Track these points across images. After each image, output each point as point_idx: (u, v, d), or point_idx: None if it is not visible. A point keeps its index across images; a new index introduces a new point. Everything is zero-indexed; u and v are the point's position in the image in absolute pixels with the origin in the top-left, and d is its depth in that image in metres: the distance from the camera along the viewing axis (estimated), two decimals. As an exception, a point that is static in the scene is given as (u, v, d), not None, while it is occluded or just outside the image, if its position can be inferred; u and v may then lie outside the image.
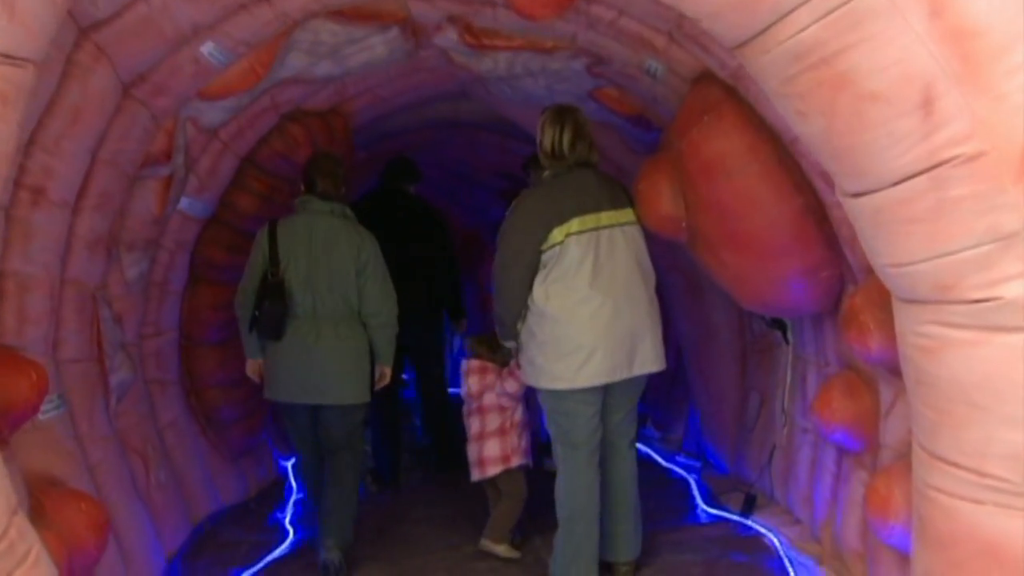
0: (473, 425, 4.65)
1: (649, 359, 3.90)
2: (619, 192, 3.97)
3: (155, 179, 4.22)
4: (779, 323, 4.60)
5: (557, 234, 3.77)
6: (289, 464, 6.35)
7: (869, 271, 3.13)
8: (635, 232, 3.92)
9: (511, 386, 4.51)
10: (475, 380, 4.64)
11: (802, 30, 2.24)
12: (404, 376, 6.96)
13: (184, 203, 4.73)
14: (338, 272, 4.31)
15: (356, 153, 6.53)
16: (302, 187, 4.50)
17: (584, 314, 3.75)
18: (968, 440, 2.22)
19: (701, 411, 5.98)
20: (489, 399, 4.59)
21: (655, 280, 4.04)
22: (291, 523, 5.26)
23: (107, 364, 4.09)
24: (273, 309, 4.25)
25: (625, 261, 3.83)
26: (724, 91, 3.47)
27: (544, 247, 3.78)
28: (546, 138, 3.94)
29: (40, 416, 3.38)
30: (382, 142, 6.86)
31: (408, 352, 5.83)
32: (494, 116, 6.48)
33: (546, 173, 4.03)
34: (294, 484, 5.99)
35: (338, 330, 4.34)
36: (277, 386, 4.43)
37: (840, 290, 3.58)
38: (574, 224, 3.77)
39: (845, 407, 3.43)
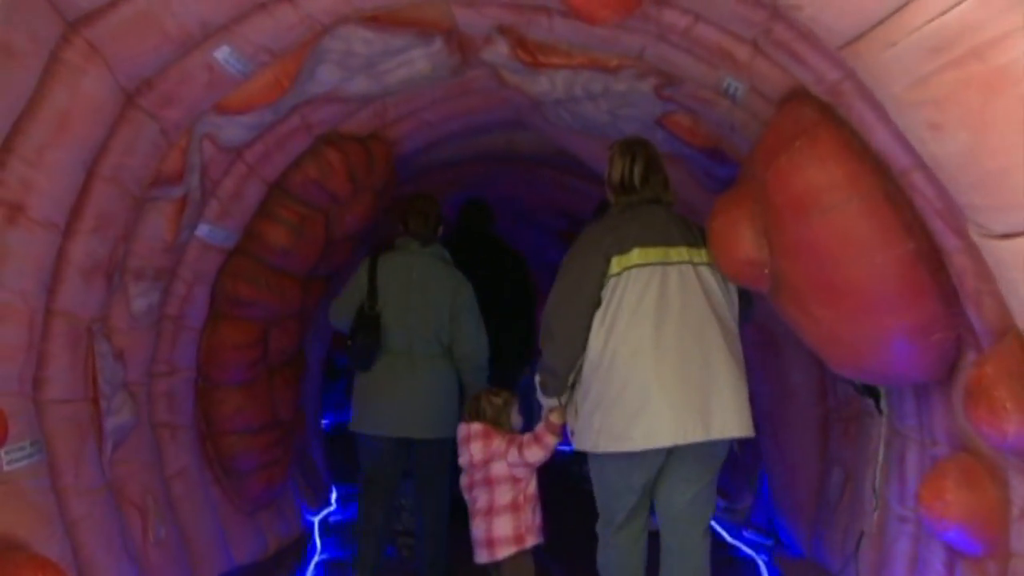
0: (479, 499, 3.98)
1: (731, 421, 3.32)
2: (696, 231, 3.51)
3: (166, 201, 3.78)
4: (871, 389, 3.95)
5: (615, 265, 3.33)
6: (316, 520, 5.84)
7: (999, 334, 2.51)
8: (714, 274, 3.44)
9: (534, 455, 3.84)
10: (479, 447, 3.97)
11: (944, 12, 1.68)
12: None
13: (203, 230, 4.29)
14: (434, 312, 4.49)
15: (400, 186, 6.08)
16: (400, 226, 4.72)
17: (644, 359, 3.26)
18: None
19: (773, 481, 5.32)
20: (498, 469, 3.93)
21: (737, 331, 3.50)
22: (311, 588, 4.74)
23: (103, 406, 3.62)
24: (367, 341, 4.43)
25: (700, 303, 3.35)
26: (819, 111, 2.90)
27: (604, 280, 3.36)
28: (615, 170, 3.60)
29: (5, 467, 2.92)
30: (429, 175, 6.39)
31: None
32: (552, 149, 5.99)
33: (614, 209, 3.62)
34: (318, 542, 5.46)
35: (434, 365, 4.52)
36: (365, 419, 4.55)
37: (955, 356, 2.95)
38: (635, 255, 3.33)
39: (962, 500, 2.79)
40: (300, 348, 5.40)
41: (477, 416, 4.11)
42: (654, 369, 3.24)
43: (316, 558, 5.22)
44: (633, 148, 3.63)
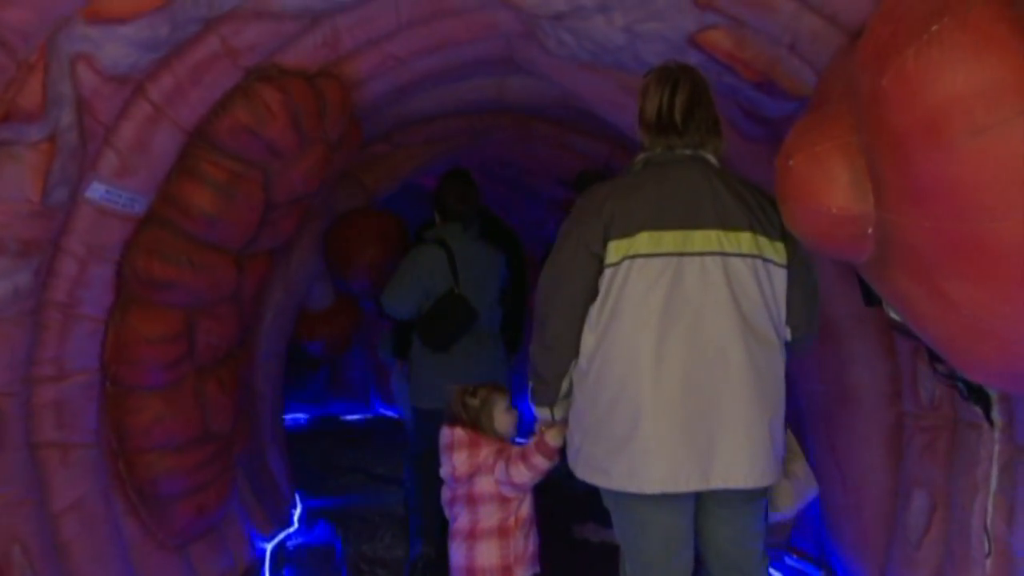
0: (459, 518, 3.32)
1: (738, 469, 2.63)
2: (752, 202, 2.70)
3: (25, 147, 2.75)
4: (979, 393, 2.97)
5: (613, 251, 2.63)
6: (269, 547, 4.84)
7: None
8: (757, 271, 2.65)
9: (520, 474, 3.14)
10: (462, 458, 3.27)
11: None
12: None
13: (97, 191, 3.27)
14: (489, 292, 4.74)
15: (367, 146, 5.06)
16: (437, 216, 4.85)
17: (640, 378, 2.60)
18: None
19: (828, 500, 4.31)
20: (484, 486, 3.26)
21: (779, 349, 2.73)
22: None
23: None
24: (457, 324, 4.56)
25: (724, 310, 2.61)
26: (968, -19, 1.88)
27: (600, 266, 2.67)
28: (649, 102, 2.81)
29: None
30: (403, 132, 5.38)
31: None
32: (551, 97, 4.99)
33: (639, 158, 2.82)
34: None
35: (495, 342, 4.80)
36: (435, 393, 4.31)
37: None
38: (641, 240, 2.61)
39: None
40: (241, 341, 4.37)
41: (455, 420, 3.35)
42: (650, 392, 2.58)
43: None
44: (675, 74, 2.82)
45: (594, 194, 2.75)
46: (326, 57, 3.75)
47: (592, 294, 2.66)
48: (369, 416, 9.08)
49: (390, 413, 8.66)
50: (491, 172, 6.86)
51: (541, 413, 2.96)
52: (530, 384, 2.92)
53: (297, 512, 5.62)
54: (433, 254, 4.62)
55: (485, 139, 5.93)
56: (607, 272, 2.63)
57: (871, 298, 3.46)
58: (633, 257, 2.60)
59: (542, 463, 3.08)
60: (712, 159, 2.76)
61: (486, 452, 3.26)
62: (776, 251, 2.69)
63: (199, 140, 3.59)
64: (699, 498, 2.75)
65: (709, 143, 2.77)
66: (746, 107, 3.54)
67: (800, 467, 2.99)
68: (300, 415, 8.87)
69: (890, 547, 3.70)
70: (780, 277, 2.70)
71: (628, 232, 2.61)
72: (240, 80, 3.52)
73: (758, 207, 2.71)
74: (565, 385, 2.80)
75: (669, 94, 2.76)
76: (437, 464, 4.06)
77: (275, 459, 5.60)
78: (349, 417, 9.11)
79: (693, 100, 2.77)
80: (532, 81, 4.81)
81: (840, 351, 3.91)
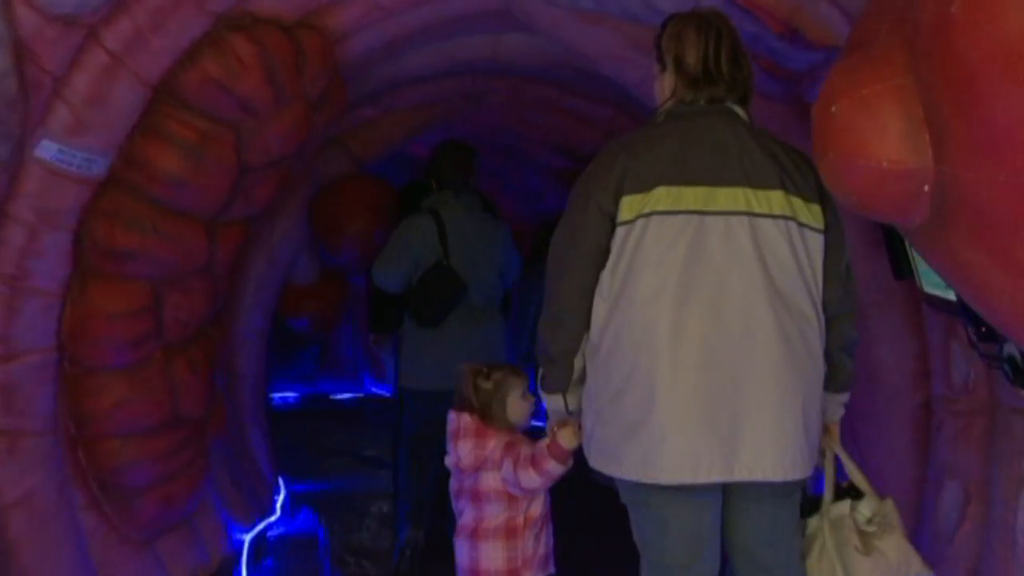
0: (464, 513, 3.00)
1: (766, 459, 2.33)
2: (780, 163, 2.41)
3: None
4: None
5: (625, 208, 2.36)
6: (248, 538, 4.54)
7: None
8: (788, 234, 2.37)
9: (529, 479, 2.80)
10: (467, 448, 2.95)
11: None
12: None
13: (47, 150, 2.95)
14: (486, 265, 4.48)
15: (354, 109, 4.73)
16: (432, 184, 4.65)
17: (655, 353, 2.32)
18: None
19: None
20: (490, 482, 2.93)
21: (815, 322, 2.42)
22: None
23: None
24: (448, 295, 4.34)
25: (751, 276, 2.33)
26: None
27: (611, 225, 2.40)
28: (691, 50, 2.48)
29: None
30: (393, 94, 5.04)
31: None
32: (551, 57, 4.66)
33: (665, 107, 2.52)
34: (244, 572, 4.18)
35: (492, 316, 4.53)
36: (424, 373, 4.39)
37: None
38: (658, 196, 2.34)
39: None
40: (215, 317, 4.05)
41: (464, 404, 3.01)
42: (667, 369, 2.31)
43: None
44: (715, 22, 2.52)
45: (609, 148, 2.48)
46: (305, 6, 3.43)
47: (599, 260, 2.39)
48: (360, 395, 8.81)
49: (382, 392, 8.39)
50: (486, 140, 6.50)
51: (553, 402, 2.63)
52: (539, 370, 2.62)
53: (280, 499, 5.34)
54: (423, 224, 4.42)
55: (480, 104, 5.60)
56: (619, 232, 2.35)
57: (901, 270, 3.17)
58: (648, 215, 2.32)
59: (555, 469, 2.75)
60: (742, 112, 2.49)
61: (494, 444, 2.93)
62: (812, 214, 2.42)
63: (165, 95, 3.26)
64: (725, 492, 2.46)
65: (748, 96, 2.52)
66: (765, 60, 3.22)
67: (892, 544, 2.54)
68: (289, 394, 8.61)
69: (916, 539, 3.40)
70: (816, 243, 2.42)
71: (643, 187, 2.33)
72: (209, 28, 3.19)
73: (792, 165, 2.42)
74: (579, 365, 2.50)
75: (715, 41, 2.47)
76: (429, 447, 4.00)
77: (257, 443, 5.30)
78: (340, 396, 8.84)
79: (739, 51, 2.51)
80: (530, 39, 4.49)
81: (861, 328, 3.59)
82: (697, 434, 2.31)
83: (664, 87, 2.54)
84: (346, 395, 8.87)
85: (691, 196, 2.32)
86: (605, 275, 2.38)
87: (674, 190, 2.32)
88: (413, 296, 4.41)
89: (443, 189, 4.55)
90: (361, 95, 4.72)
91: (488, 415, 2.97)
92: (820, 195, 2.39)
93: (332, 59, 3.68)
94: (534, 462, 2.75)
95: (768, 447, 2.32)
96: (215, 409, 4.09)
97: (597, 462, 2.47)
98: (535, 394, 2.88)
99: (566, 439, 2.66)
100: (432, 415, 4.32)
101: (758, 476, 2.33)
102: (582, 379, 2.52)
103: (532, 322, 5.56)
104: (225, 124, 3.41)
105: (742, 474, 2.32)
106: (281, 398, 8.31)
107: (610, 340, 2.36)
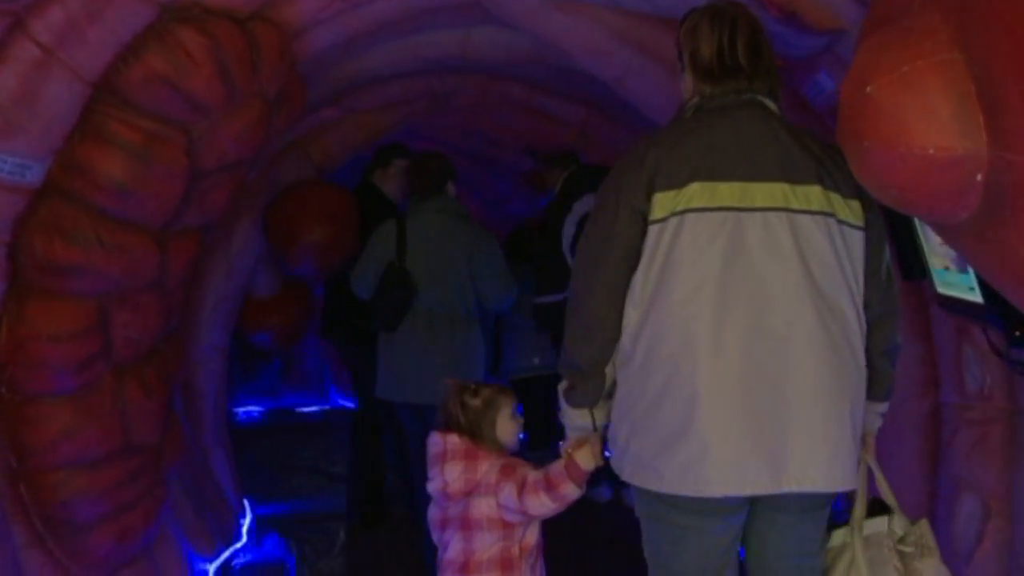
0: (451, 545, 2.71)
1: (817, 469, 2.21)
2: (816, 157, 2.29)
3: None
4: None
5: (658, 206, 2.22)
6: (212, 567, 4.24)
7: None
8: (830, 231, 2.25)
9: (540, 505, 2.57)
10: (456, 472, 2.68)
11: None
12: None
13: (-27, 155, 2.65)
14: (451, 272, 4.25)
15: (313, 110, 4.47)
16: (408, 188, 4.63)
17: (695, 358, 2.19)
18: None
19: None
20: (482, 508, 2.66)
21: (856, 325, 2.30)
22: None
23: None
24: (398, 297, 4.21)
25: (794, 276, 2.21)
26: None
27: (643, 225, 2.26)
28: (706, 43, 2.38)
29: None
30: (356, 94, 4.77)
31: None
32: (522, 52, 4.47)
33: (689, 104, 2.41)
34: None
35: (453, 328, 4.25)
36: (383, 383, 4.37)
37: None
38: (692, 192, 2.21)
39: None
40: (168, 335, 3.74)
41: (450, 423, 2.75)
42: (708, 374, 2.19)
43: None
44: (731, 12, 2.41)
45: (636, 144, 2.35)
46: (260, -3, 3.15)
47: (631, 263, 2.26)
48: (326, 408, 8.50)
49: (348, 405, 8.10)
50: (452, 144, 6.26)
51: (580, 418, 2.45)
52: (563, 384, 2.45)
53: (246, 523, 5.04)
54: (385, 227, 4.36)
55: (447, 105, 5.34)
56: (652, 230, 2.22)
57: (912, 271, 2.96)
58: (683, 212, 2.20)
59: (573, 493, 2.53)
60: (772, 105, 2.37)
61: (486, 467, 2.68)
62: (852, 211, 2.31)
63: (106, 94, 2.97)
64: (753, 503, 2.31)
65: (776, 89, 2.40)
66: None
67: (931, 567, 2.41)
68: (253, 408, 8.30)
69: (929, 559, 3.20)
70: (857, 241, 2.31)
71: (677, 183, 2.20)
72: (153, 20, 2.91)
73: (828, 160, 2.30)
74: (610, 375, 2.36)
75: (729, 33, 2.36)
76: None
77: (220, 465, 4.99)
78: (305, 409, 8.53)
79: (758, 40, 2.39)
80: (500, 33, 4.28)
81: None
82: (743, 443, 2.18)
83: (686, 85, 2.44)
84: (312, 408, 8.57)
85: (727, 192, 2.20)
86: (637, 278, 2.26)
87: (709, 186, 2.20)
88: (370, 300, 4.32)
89: (412, 193, 4.47)
90: (321, 96, 4.45)
91: (478, 435, 2.72)
92: (858, 191, 2.27)
93: (290, 55, 3.41)
94: (549, 486, 2.52)
95: (818, 456, 2.20)
96: (172, 433, 3.78)
97: (633, 476, 2.33)
98: (523, 415, 2.65)
99: (586, 459, 2.45)
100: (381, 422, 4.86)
101: (807, 487, 2.20)
102: (609, 392, 2.39)
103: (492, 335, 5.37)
104: (174, 125, 3.12)
105: (790, 485, 2.19)
106: (245, 413, 8.03)
107: (645, 345, 2.25)
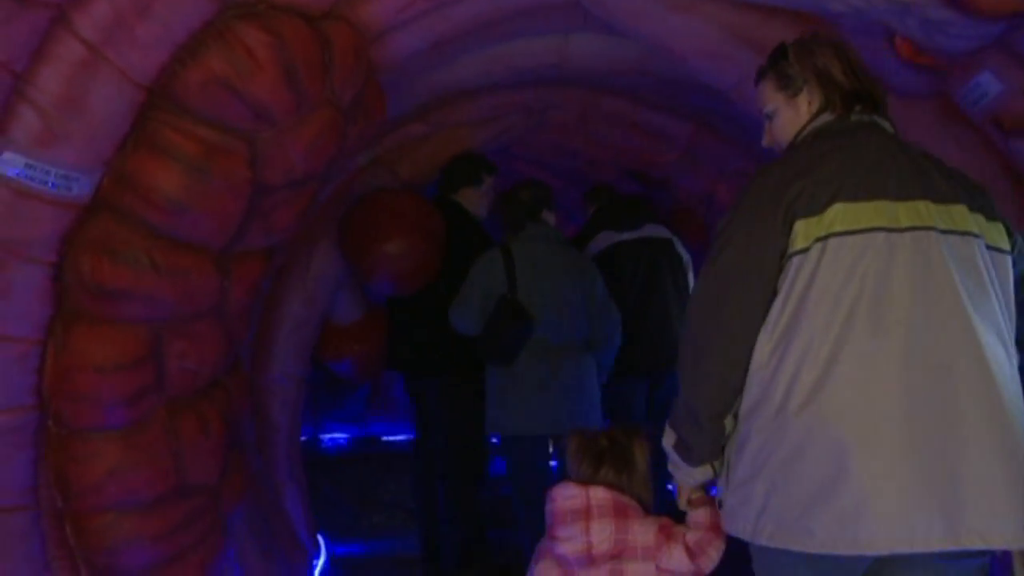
0: None
1: (1001, 520, 1.95)
2: (951, 177, 2.16)
3: None
4: None
5: (801, 234, 2.05)
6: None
7: None
8: (980, 252, 2.09)
9: (709, 564, 2.36)
10: (606, 532, 2.34)
11: None
12: None
13: (10, 164, 2.39)
14: (564, 300, 4.22)
15: (398, 125, 4.15)
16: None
17: (858, 403, 1.98)
18: None
19: None
20: (639, 574, 2.35)
21: (1015, 353, 2.10)
22: None
23: None
24: (515, 331, 4.11)
25: (950, 301, 2.01)
26: None
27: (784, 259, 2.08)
28: (833, 65, 2.29)
29: None
30: (446, 109, 4.44)
31: None
32: (625, 62, 4.12)
33: (810, 127, 2.28)
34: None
35: (576, 363, 4.21)
36: (511, 419, 4.21)
37: None
38: (835, 215, 2.04)
39: None
40: (230, 366, 3.43)
41: (599, 469, 2.45)
42: (860, 415, 1.98)
43: None
44: (833, 39, 2.37)
45: (764, 176, 2.18)
46: (334, -8, 2.83)
47: (768, 301, 2.08)
48: (414, 438, 8.25)
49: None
50: (546, 164, 5.89)
51: (700, 475, 2.29)
52: (671, 439, 2.27)
53: (319, 565, 4.72)
54: (491, 258, 4.24)
55: (542, 120, 4.97)
56: (793, 262, 2.05)
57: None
58: (825, 238, 2.02)
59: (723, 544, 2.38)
60: (889, 127, 2.26)
61: (640, 528, 2.38)
62: (998, 234, 2.16)
63: (161, 99, 2.68)
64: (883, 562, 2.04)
65: (887, 111, 2.29)
66: (909, 47, 2.54)
67: None
68: (339, 435, 8.11)
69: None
70: (1006, 266, 2.15)
71: (817, 208, 2.04)
72: (212, 16, 2.61)
73: (963, 179, 2.18)
74: (729, 427, 2.19)
75: (846, 54, 2.30)
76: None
77: (292, 502, 4.69)
78: (391, 438, 8.30)
79: (864, 63, 2.33)
80: (602, 39, 3.90)
81: None
82: (909, 494, 1.97)
83: (802, 108, 2.31)
84: (398, 437, 8.34)
85: (871, 212, 2.04)
86: (774, 315, 2.07)
87: (852, 207, 2.04)
88: (482, 334, 4.17)
89: (511, 228, 4.39)
90: (407, 109, 4.13)
91: (627, 489, 2.42)
92: (999, 213, 2.17)
93: (366, 58, 3.08)
94: (714, 541, 2.35)
95: (1003, 508, 1.96)
96: (233, 473, 3.47)
97: (777, 538, 2.08)
98: None
99: (705, 513, 2.35)
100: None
101: (995, 543, 1.97)
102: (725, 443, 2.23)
103: None
104: (235, 134, 2.81)
105: (972, 541, 1.96)
106: (331, 440, 7.82)
107: (784, 387, 2.06)
